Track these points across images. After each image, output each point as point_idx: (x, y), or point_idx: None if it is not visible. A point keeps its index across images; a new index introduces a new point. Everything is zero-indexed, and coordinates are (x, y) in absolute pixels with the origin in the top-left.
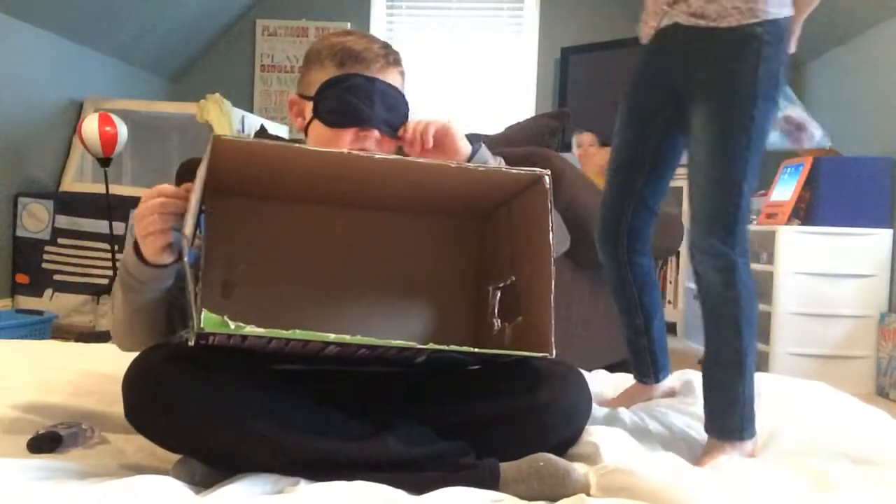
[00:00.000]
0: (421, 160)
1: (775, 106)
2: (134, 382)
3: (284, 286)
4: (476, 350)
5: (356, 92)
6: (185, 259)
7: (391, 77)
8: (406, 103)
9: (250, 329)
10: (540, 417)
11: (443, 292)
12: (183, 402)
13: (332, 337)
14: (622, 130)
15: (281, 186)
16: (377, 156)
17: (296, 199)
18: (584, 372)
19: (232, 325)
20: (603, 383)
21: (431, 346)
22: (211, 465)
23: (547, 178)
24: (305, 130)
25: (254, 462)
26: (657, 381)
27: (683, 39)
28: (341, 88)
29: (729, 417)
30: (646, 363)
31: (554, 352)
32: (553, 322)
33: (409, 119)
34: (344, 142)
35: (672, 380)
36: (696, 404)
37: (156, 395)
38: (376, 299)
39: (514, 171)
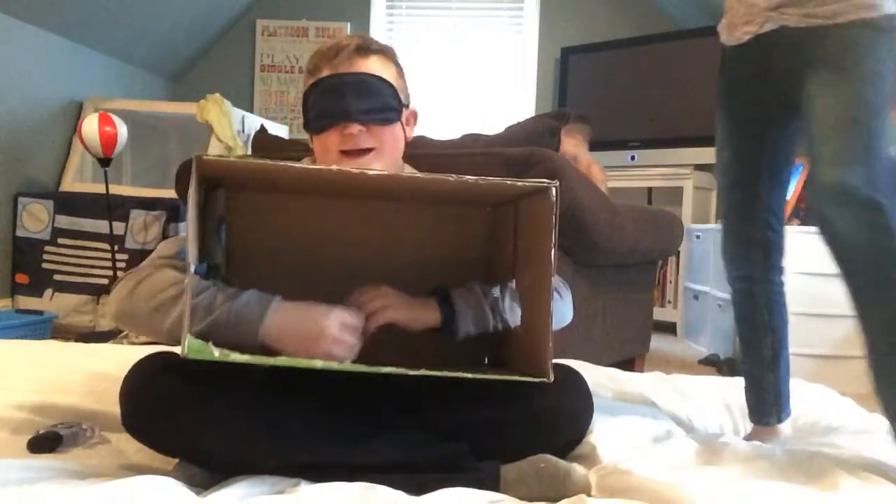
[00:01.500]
0: (417, 175)
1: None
2: (129, 394)
3: (287, 280)
4: (469, 375)
5: (326, 92)
6: (190, 271)
7: (364, 65)
8: (390, 84)
9: (235, 356)
10: (541, 423)
11: (453, 282)
12: (178, 415)
13: (318, 364)
14: (730, 145)
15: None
16: (370, 172)
17: (298, 191)
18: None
19: (216, 353)
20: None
21: (423, 371)
22: (210, 470)
23: (554, 189)
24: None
25: (253, 467)
26: (780, 421)
27: (793, 41)
28: (315, 95)
29: None
30: (768, 402)
31: (552, 376)
32: (551, 345)
33: (404, 113)
34: (332, 143)
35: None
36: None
37: (150, 409)
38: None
39: (520, 183)
